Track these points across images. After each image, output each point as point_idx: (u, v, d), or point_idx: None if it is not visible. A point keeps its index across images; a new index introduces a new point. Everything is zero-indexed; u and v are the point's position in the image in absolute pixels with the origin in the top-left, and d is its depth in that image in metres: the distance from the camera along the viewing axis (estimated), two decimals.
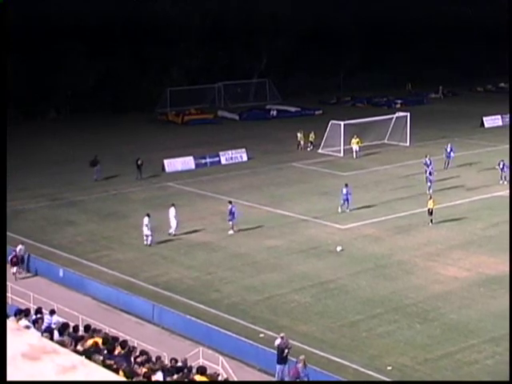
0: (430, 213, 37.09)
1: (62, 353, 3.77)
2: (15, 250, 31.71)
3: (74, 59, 68.45)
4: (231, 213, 36.26)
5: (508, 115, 65.86)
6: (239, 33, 76.61)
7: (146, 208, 40.19)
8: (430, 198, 37.72)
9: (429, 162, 45.20)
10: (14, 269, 31.36)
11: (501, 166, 44.80)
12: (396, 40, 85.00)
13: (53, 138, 61.28)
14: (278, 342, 22.89)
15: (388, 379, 22.82)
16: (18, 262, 31.72)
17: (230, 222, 36.26)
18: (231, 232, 36.16)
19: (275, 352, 23.41)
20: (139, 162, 47.64)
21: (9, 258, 30.85)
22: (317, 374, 22.21)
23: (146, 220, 34.71)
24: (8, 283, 26.99)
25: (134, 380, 14.76)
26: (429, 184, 43.21)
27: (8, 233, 30.02)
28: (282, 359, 22.63)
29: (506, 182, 44.26)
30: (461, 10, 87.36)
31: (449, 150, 49.09)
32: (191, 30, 75.39)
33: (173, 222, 35.97)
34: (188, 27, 75.48)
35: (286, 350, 22.62)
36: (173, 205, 36.60)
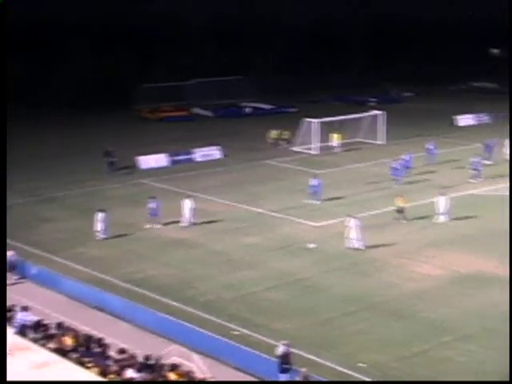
0: (400, 211, 37.23)
1: (34, 350, 3.71)
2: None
3: (47, 55, 67.96)
4: (153, 209, 36.48)
5: (482, 114, 66.49)
6: (213, 30, 76.47)
7: (122, 205, 40.14)
8: (400, 196, 37.77)
9: (408, 158, 45.80)
10: None
11: (473, 165, 45.19)
12: (371, 39, 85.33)
13: (26, 134, 60.73)
14: (282, 349, 21.83)
15: (362, 377, 22.89)
16: (10, 269, 29.90)
17: (153, 218, 36.46)
18: (149, 226, 36.33)
19: (251, 350, 23.38)
20: (111, 159, 47.51)
21: None
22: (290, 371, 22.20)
23: (99, 216, 35.02)
24: None
25: (107, 378, 14.67)
26: (398, 178, 43.78)
27: None
28: (288, 368, 21.62)
29: (479, 180, 44.70)
30: (436, 10, 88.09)
31: (431, 147, 49.55)
32: (167, 27, 75.19)
33: (187, 214, 36.68)
34: (164, 24, 75.25)
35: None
36: (188, 197, 37.35)
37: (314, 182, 40.62)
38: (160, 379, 16.78)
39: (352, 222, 33.64)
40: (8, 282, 29.16)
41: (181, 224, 36.88)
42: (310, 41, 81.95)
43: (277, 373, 21.99)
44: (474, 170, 45.12)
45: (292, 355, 22.22)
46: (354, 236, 33.44)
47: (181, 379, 17.79)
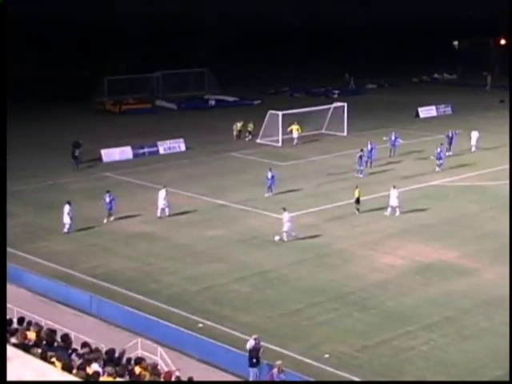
0: (357, 202, 37.49)
1: None
2: None
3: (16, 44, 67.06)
4: (107, 203, 36.37)
5: (442, 106, 67.19)
6: (179, 22, 76.18)
7: (84, 199, 39.78)
8: (357, 187, 37.98)
9: (369, 148, 46.14)
10: None
11: (438, 154, 45.67)
12: (335, 32, 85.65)
13: None
14: (251, 344, 22.03)
15: (325, 367, 23.05)
16: None
17: (108, 211, 36.41)
18: (105, 221, 36.29)
19: (215, 342, 23.43)
20: (76, 153, 47.05)
21: None
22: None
23: (66, 208, 34.80)
24: None
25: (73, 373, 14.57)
26: (361, 168, 44.07)
27: None
28: (257, 362, 21.89)
29: (439, 169, 45.19)
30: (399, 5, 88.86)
31: (393, 138, 49.94)
32: (129, 18, 74.69)
33: (161, 204, 36.76)
34: (126, 15, 74.75)
35: (262, 350, 22.06)
36: (164, 187, 37.38)
37: (269, 174, 40.68)
38: (125, 373, 16.71)
39: (285, 216, 33.75)
40: None
41: (158, 214, 36.80)
42: (271, 33, 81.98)
43: (246, 366, 22.08)
44: (438, 159, 45.61)
45: (264, 349, 22.31)
46: (285, 228, 33.53)
47: (146, 373, 17.74)
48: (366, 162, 45.70)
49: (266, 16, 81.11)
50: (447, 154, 48.04)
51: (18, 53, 67.55)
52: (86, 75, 72.43)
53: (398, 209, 37.22)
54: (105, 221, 36.25)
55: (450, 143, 50.04)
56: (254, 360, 21.95)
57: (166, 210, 37.15)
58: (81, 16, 71.08)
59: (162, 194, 37.18)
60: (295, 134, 53.45)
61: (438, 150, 46.04)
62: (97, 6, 72.49)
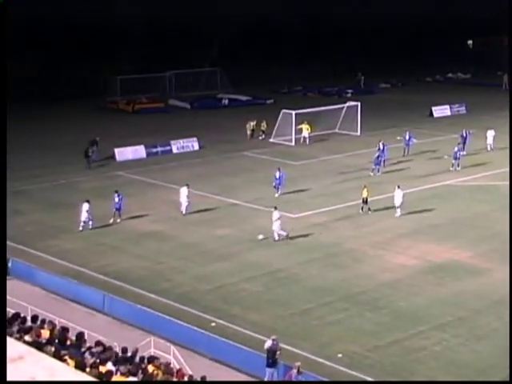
0: (365, 201, 37.41)
1: (9, 343, 3.75)
2: None
3: (18, 44, 67.31)
4: (116, 203, 36.25)
5: (456, 105, 66.99)
6: (190, 21, 76.23)
7: (96, 198, 39.89)
8: (365, 187, 37.83)
9: (382, 147, 46.11)
10: None
11: (454, 154, 45.68)
12: (347, 31, 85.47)
13: None
14: (268, 344, 22.04)
15: (338, 366, 23.08)
16: None
17: (116, 212, 36.31)
18: (111, 221, 36.15)
19: (228, 342, 23.49)
20: (90, 152, 47.23)
21: None
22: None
23: (85, 206, 34.94)
24: None
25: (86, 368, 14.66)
26: (377, 167, 44.12)
27: None
28: (273, 362, 21.90)
29: (458, 168, 45.18)
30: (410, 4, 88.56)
31: (407, 137, 49.90)
32: (141, 18, 74.82)
33: (184, 201, 37.16)
34: (138, 14, 74.89)
35: (278, 352, 22.02)
36: (187, 185, 37.65)
37: (277, 174, 40.64)
38: (138, 371, 16.80)
39: (275, 215, 33.82)
40: None
41: (183, 212, 37.27)
42: (284, 33, 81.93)
43: (259, 365, 22.14)
44: (455, 159, 45.67)
45: (281, 350, 22.23)
46: (275, 228, 33.63)
47: (159, 371, 17.84)
48: (383, 160, 45.67)
49: (277, 14, 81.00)
50: (461, 153, 47.95)
51: (19, 53, 67.82)
52: (98, 74, 72.64)
53: (399, 209, 36.88)
54: (111, 220, 36.13)
55: (464, 143, 49.94)
56: (270, 360, 21.91)
57: (183, 206, 37.43)
58: (84, 16, 71.12)
59: (184, 191, 37.49)
60: (305, 133, 53.45)
61: (456, 149, 46.09)
62: (103, 5, 72.50)
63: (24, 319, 18.85)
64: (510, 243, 31.45)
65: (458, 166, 45.54)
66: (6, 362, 3.46)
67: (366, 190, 37.49)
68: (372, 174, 44.32)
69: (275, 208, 34.38)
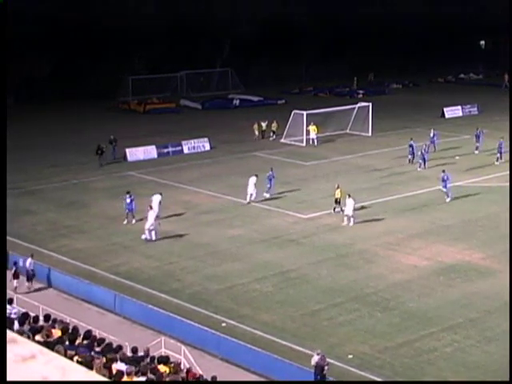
0: (338, 202, 36.74)
1: (20, 342, 3.77)
2: (17, 262, 28.67)
3: (30, 45, 67.59)
4: (128, 204, 36.01)
5: (468, 106, 66.78)
6: (201, 22, 76.33)
7: (107, 197, 39.95)
8: (338, 187, 37.09)
9: (432, 135, 49.03)
10: (15, 282, 27.87)
11: (498, 148, 46.58)
12: (358, 31, 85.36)
13: (9, 125, 60.42)
14: (315, 359, 21.20)
15: (348, 367, 23.05)
16: (28, 276, 28.59)
17: (128, 213, 36.07)
18: (125, 222, 36.06)
19: (239, 342, 23.50)
20: (104, 148, 47.43)
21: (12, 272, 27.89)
22: (277, 361, 22.36)
23: (253, 179, 38.09)
24: None
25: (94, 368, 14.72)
26: (420, 161, 45.90)
27: None
28: (322, 378, 21.07)
29: (500, 161, 46.43)
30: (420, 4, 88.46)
31: (432, 135, 50.14)
32: (153, 19, 74.98)
33: (251, 191, 38.43)
34: (150, 15, 75.07)
35: (326, 368, 21.34)
36: (256, 175, 38.82)
37: (269, 174, 40.38)
38: (149, 371, 16.84)
39: (252, 180, 36.07)
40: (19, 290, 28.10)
41: (247, 200, 38.62)
42: (296, 34, 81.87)
43: (269, 365, 22.23)
44: (499, 153, 46.80)
45: (329, 366, 21.68)
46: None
47: (169, 371, 17.87)
48: (427, 151, 46.52)
49: (287, 15, 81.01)
50: (475, 152, 47.90)
51: (34, 53, 68.09)
52: (110, 75, 72.79)
53: (352, 219, 35.47)
54: (125, 222, 36.09)
55: (478, 142, 49.84)
56: (319, 377, 21.10)
57: (253, 196, 38.67)
58: (97, 16, 71.30)
59: (253, 180, 38.49)
60: (313, 135, 53.36)
61: (498, 143, 46.38)
62: (116, 6, 72.77)
63: (36, 318, 18.92)
64: (510, 243, 31.42)
65: (501, 158, 46.50)
66: (5, 362, 3.48)
67: (339, 190, 36.96)
68: (420, 168, 45.67)
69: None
